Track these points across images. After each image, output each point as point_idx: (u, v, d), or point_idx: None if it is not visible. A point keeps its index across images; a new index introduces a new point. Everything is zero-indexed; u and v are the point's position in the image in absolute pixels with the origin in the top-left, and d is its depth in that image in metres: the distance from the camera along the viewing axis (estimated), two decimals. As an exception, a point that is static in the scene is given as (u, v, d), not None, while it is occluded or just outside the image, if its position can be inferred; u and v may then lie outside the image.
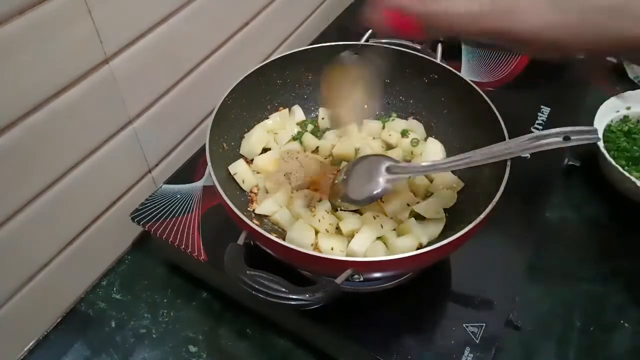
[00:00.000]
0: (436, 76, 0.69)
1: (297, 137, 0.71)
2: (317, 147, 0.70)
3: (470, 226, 0.49)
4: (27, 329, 0.62)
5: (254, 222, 0.50)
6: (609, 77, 0.96)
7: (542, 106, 0.83)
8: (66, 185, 0.58)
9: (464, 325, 0.56)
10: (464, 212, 0.59)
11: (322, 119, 0.73)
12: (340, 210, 0.61)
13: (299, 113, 0.73)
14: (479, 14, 0.41)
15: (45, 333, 0.64)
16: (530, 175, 0.69)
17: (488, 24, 0.41)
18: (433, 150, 0.66)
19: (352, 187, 0.61)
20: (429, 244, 0.56)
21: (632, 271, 0.70)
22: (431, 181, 0.64)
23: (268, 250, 0.51)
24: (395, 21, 0.43)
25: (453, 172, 0.64)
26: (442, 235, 0.59)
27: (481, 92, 0.62)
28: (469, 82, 0.64)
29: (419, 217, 0.60)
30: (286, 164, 0.66)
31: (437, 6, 0.42)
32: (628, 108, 0.84)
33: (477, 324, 0.56)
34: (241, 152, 0.68)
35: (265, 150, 0.68)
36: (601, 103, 0.82)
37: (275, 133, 0.70)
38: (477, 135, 0.62)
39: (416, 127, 0.71)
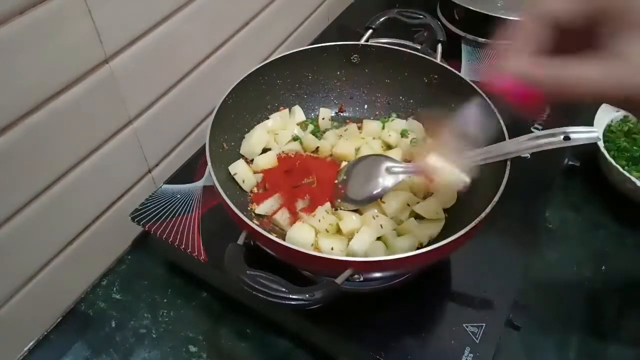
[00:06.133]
0: (436, 76, 0.69)
1: (297, 138, 0.71)
2: (317, 147, 0.69)
3: (470, 226, 0.49)
4: (27, 329, 0.62)
5: (254, 222, 0.50)
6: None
7: (542, 106, 0.83)
8: (66, 185, 0.58)
9: (464, 325, 0.56)
10: (464, 212, 0.59)
11: (322, 119, 0.73)
12: (340, 210, 0.61)
13: (299, 113, 0.73)
14: (625, 78, 0.33)
15: (45, 333, 0.64)
16: (530, 175, 0.69)
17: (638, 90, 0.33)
18: (433, 151, 0.65)
19: (352, 187, 0.61)
20: (429, 244, 0.57)
21: (632, 271, 0.70)
22: (431, 181, 0.64)
23: (268, 250, 0.51)
24: (514, 89, 0.36)
25: (453, 172, 0.63)
26: (442, 235, 0.59)
27: (481, 92, 0.62)
28: (469, 82, 0.64)
29: (418, 217, 0.60)
30: (286, 164, 0.65)
31: (566, 71, 0.34)
32: (628, 108, 0.84)
33: (477, 324, 0.56)
34: (241, 152, 0.68)
35: (265, 150, 0.68)
36: (601, 103, 0.81)
37: (275, 133, 0.70)
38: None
39: (416, 127, 0.71)
